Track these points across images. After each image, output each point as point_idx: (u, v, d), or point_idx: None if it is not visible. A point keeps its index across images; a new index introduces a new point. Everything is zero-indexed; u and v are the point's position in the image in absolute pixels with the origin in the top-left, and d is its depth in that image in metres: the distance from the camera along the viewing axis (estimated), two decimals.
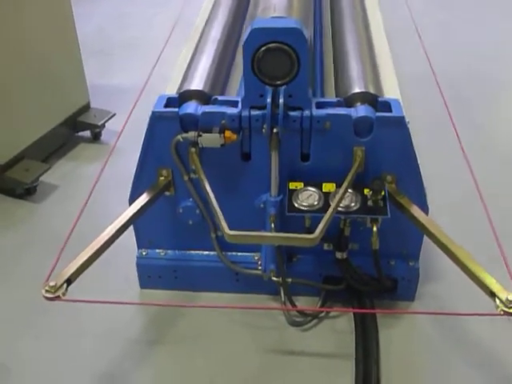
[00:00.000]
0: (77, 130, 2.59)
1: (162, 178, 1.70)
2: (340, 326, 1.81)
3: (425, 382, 1.69)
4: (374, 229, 1.59)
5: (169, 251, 1.88)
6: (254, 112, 1.56)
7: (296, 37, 1.46)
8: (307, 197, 1.60)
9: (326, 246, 1.76)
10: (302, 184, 1.64)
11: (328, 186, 1.62)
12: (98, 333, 1.81)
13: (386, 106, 1.60)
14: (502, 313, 1.33)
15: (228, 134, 1.58)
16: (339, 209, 1.56)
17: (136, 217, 1.64)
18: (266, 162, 1.62)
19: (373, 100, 1.62)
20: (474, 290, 1.45)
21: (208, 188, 1.55)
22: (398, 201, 1.62)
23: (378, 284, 1.77)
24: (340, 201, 1.50)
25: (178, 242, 1.87)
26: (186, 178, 1.69)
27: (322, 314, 1.85)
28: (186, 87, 1.69)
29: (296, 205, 1.59)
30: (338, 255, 1.75)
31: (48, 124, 2.39)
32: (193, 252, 1.87)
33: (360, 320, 1.79)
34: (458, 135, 1.84)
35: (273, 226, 1.63)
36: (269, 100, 1.51)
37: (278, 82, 1.52)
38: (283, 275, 1.69)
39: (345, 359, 1.70)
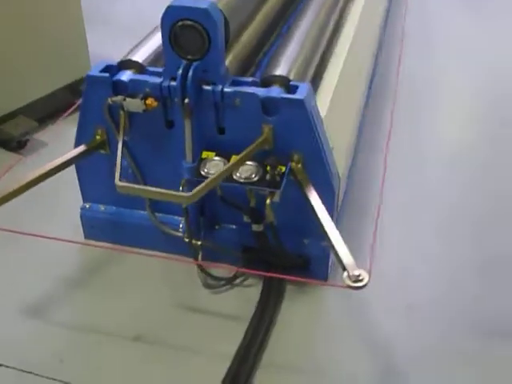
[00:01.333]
0: (77, 97, 2.84)
1: (98, 137, 1.90)
2: (250, 295, 1.93)
3: (311, 355, 1.79)
4: (267, 201, 1.72)
5: (108, 207, 2.08)
6: (172, 83, 1.72)
7: (206, 16, 1.61)
8: (214, 166, 1.74)
9: (245, 218, 1.91)
10: (214, 154, 1.79)
11: (235, 158, 1.77)
12: (32, 266, 2.04)
13: (295, 89, 1.73)
14: (345, 286, 1.43)
15: (149, 101, 1.75)
16: (237, 178, 1.70)
17: (66, 165, 1.85)
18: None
19: (285, 83, 1.75)
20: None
21: (120, 146, 1.74)
22: (298, 179, 1.73)
23: (289, 259, 1.89)
24: (229, 169, 1.64)
25: (117, 198, 2.03)
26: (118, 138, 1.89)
27: (237, 282, 1.99)
28: (129, 57, 1.89)
29: (202, 172, 1.74)
30: (254, 227, 1.88)
31: (46, 87, 2.66)
32: (129, 210, 2.06)
33: (266, 290, 1.92)
34: None
35: (181, 189, 1.80)
36: (179, 72, 1.67)
37: (190, 57, 1.68)
38: (190, 236, 1.85)
39: (243, 324, 1.83)
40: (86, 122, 1.90)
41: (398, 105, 2.78)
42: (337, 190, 1.83)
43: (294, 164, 1.75)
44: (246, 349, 1.73)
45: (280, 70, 1.80)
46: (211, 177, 1.60)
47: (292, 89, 1.73)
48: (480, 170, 2.57)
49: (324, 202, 1.77)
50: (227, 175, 1.70)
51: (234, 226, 1.97)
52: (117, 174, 1.63)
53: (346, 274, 1.45)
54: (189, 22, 1.63)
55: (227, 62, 1.84)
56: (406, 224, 2.25)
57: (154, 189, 1.61)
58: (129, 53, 1.93)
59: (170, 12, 1.64)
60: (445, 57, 3.56)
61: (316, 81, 1.95)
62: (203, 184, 1.58)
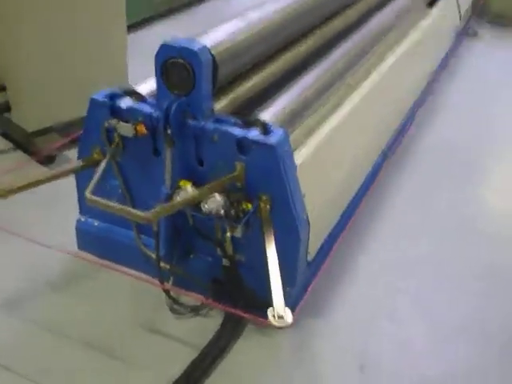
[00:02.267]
0: None
1: (95, 155, 2.06)
2: (211, 326, 1.99)
3: None
4: (227, 234, 1.80)
5: (102, 223, 2.23)
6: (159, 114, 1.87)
7: (194, 57, 1.76)
8: (185, 194, 1.85)
9: (218, 251, 1.99)
10: (190, 184, 1.90)
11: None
12: (20, 265, 2.20)
13: (270, 133, 1.82)
14: (267, 322, 1.48)
15: (139, 127, 1.91)
16: (204, 209, 1.80)
17: (63, 175, 2.02)
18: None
19: (264, 127, 1.85)
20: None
21: (103, 163, 1.89)
22: (262, 220, 1.81)
23: (249, 297, 1.95)
24: (192, 198, 1.75)
25: (111, 216, 2.18)
26: (112, 159, 2.04)
27: (202, 311, 2.06)
28: (134, 87, 2.06)
29: (174, 199, 1.86)
30: (224, 261, 1.97)
31: (83, 110, 2.87)
32: (119, 228, 2.20)
33: (225, 323, 1.97)
34: None
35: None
36: (165, 105, 1.82)
37: (176, 92, 1.83)
38: (157, 259, 1.95)
39: (196, 351, 1.89)
40: (86, 140, 2.07)
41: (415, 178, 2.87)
42: (304, 236, 1.89)
43: (262, 204, 1.84)
44: (190, 373, 1.79)
45: (264, 114, 1.91)
46: (171, 202, 1.71)
47: (268, 133, 1.83)
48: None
49: (288, 245, 1.85)
50: (195, 205, 1.81)
51: (208, 258, 2.06)
52: (90, 187, 1.78)
53: (271, 311, 1.50)
54: (178, 60, 1.78)
55: (225, 101, 1.98)
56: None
57: (117, 205, 1.74)
58: (138, 83, 2.11)
59: (163, 49, 1.80)
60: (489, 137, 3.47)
61: (306, 129, 2.06)
62: (161, 207, 1.69)
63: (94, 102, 1.99)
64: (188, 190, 1.85)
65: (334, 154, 2.15)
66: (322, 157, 2.05)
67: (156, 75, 1.85)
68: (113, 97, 2.00)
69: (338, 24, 2.64)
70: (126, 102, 1.97)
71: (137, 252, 2.15)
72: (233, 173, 1.83)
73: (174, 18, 5.11)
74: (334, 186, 2.17)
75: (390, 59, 2.86)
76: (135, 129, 1.91)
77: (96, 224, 2.23)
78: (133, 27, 4.65)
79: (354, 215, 2.37)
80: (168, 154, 1.88)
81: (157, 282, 1.99)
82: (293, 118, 1.98)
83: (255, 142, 1.78)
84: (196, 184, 1.90)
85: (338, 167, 2.21)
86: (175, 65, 1.79)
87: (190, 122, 1.85)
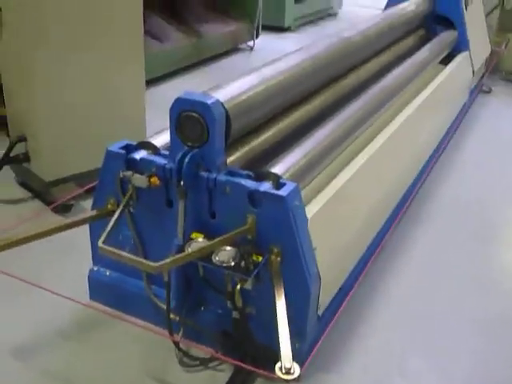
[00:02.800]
0: None
1: (109, 206, 2.09)
2: (220, 380, 1.96)
3: None
4: (237, 287, 1.79)
5: (114, 273, 2.23)
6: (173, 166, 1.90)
7: (207, 111, 1.79)
8: (197, 246, 1.86)
9: (228, 304, 1.98)
10: (202, 236, 1.90)
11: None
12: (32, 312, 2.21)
13: (282, 186, 1.83)
14: (275, 376, 1.45)
15: (153, 179, 1.93)
16: (215, 261, 1.80)
17: (77, 224, 2.04)
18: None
19: (276, 180, 1.86)
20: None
21: (117, 213, 1.91)
22: (272, 273, 1.80)
23: (258, 350, 1.92)
24: (202, 250, 1.75)
25: (122, 266, 2.20)
26: (125, 210, 2.06)
27: (212, 364, 2.03)
28: (148, 139, 2.10)
29: (185, 251, 1.86)
30: (234, 313, 1.95)
31: (99, 161, 2.93)
32: (130, 278, 2.19)
33: (234, 377, 1.94)
34: None
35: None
36: (178, 157, 1.84)
37: (189, 144, 1.85)
38: (168, 310, 1.93)
39: None
40: (102, 190, 2.10)
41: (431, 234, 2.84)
42: (314, 290, 1.87)
43: (273, 257, 1.84)
44: None
45: (277, 168, 1.93)
46: (182, 254, 1.72)
47: (280, 186, 1.84)
48: None
49: (297, 299, 1.84)
50: (206, 256, 1.81)
51: (218, 310, 2.05)
52: (103, 236, 1.79)
53: (278, 364, 1.47)
54: (192, 114, 1.82)
55: (238, 154, 2.01)
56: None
57: (127, 255, 1.74)
58: (153, 135, 2.15)
59: (177, 103, 1.84)
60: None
61: (318, 183, 2.08)
62: (171, 258, 1.69)
63: (109, 154, 2.02)
64: (199, 242, 1.86)
65: (346, 208, 2.15)
66: (334, 211, 2.05)
67: (170, 128, 1.88)
68: (128, 148, 2.03)
69: (351, 80, 2.69)
70: (140, 154, 2.00)
71: (148, 303, 2.15)
72: (244, 225, 1.84)
73: (196, 73, 5.24)
74: (347, 239, 2.16)
75: (404, 114, 2.88)
76: (149, 180, 1.94)
77: (108, 274, 2.23)
78: (154, 81, 4.78)
79: (365, 269, 2.35)
80: (181, 206, 1.89)
81: (167, 333, 1.98)
82: (306, 172, 2.00)
83: (266, 195, 1.79)
84: (208, 236, 1.90)
85: (351, 221, 2.21)
86: (189, 118, 1.82)
87: (203, 174, 1.87)
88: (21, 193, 3.06)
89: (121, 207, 1.98)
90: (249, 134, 2.04)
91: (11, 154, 2.85)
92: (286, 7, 6.85)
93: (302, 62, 2.27)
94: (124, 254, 1.74)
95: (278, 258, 1.83)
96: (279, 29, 6.94)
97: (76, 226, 2.08)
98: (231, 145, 1.97)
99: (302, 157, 2.01)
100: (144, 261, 1.72)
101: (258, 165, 1.98)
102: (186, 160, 1.84)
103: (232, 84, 1.96)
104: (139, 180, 1.95)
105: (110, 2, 2.85)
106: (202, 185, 1.88)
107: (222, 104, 1.84)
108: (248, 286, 1.83)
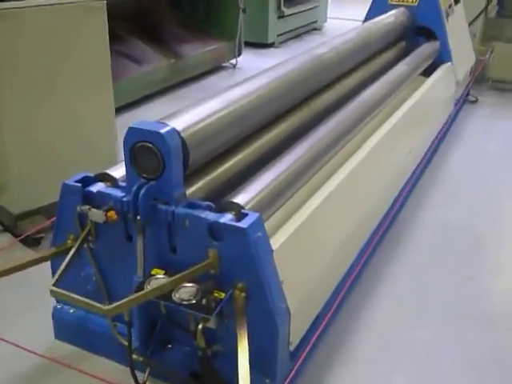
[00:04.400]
0: None
1: (69, 241, 1.98)
2: None
3: None
4: (199, 326, 1.68)
5: (78, 310, 2.12)
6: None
7: (161, 141, 1.69)
8: (156, 283, 1.74)
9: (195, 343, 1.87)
10: (163, 272, 1.79)
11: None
12: None
13: (244, 217, 1.73)
14: None
15: (110, 213, 1.83)
16: (175, 299, 1.69)
17: (36, 262, 1.92)
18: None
19: (238, 211, 1.76)
20: None
21: (72, 252, 1.79)
22: (235, 310, 1.69)
23: None
24: (161, 288, 1.64)
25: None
26: (85, 245, 1.96)
27: None
28: (107, 171, 1.99)
29: (144, 288, 1.75)
30: (199, 352, 1.83)
31: None
32: (95, 317, 2.07)
33: None
34: None
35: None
36: (133, 189, 1.74)
37: (145, 176, 1.75)
38: (130, 351, 1.82)
39: None
40: (60, 226, 1.99)
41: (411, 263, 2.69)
42: (282, 326, 1.75)
43: (237, 292, 1.72)
44: None
45: (239, 198, 1.82)
46: (137, 294, 1.61)
47: (242, 217, 1.74)
48: None
49: (265, 336, 1.73)
50: (167, 294, 1.70)
51: (186, 349, 1.93)
52: (54, 279, 1.68)
53: None
54: (146, 144, 1.72)
55: (199, 184, 1.90)
56: None
57: (77, 297, 1.64)
58: (113, 166, 2.04)
59: (130, 133, 1.73)
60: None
61: (286, 211, 1.97)
62: (125, 300, 1.58)
63: (65, 187, 1.92)
64: (159, 278, 1.75)
65: (316, 236, 2.04)
66: (303, 239, 1.93)
67: (125, 159, 1.78)
68: (85, 181, 1.93)
69: (324, 99, 2.58)
70: (97, 187, 1.90)
71: (114, 341, 2.03)
72: (206, 260, 1.73)
73: (176, 94, 5.15)
74: (319, 269, 2.04)
75: (382, 131, 2.76)
76: (106, 215, 1.83)
77: (72, 312, 2.11)
78: (134, 104, 4.70)
79: (342, 298, 2.23)
80: (139, 241, 1.79)
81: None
82: (271, 200, 1.89)
83: (226, 227, 1.68)
84: (170, 272, 1.80)
85: (323, 250, 2.09)
86: (143, 149, 1.72)
87: (161, 207, 1.76)
88: None
89: (77, 244, 1.87)
90: (210, 163, 1.92)
91: None
92: (268, 23, 6.77)
93: (269, 82, 2.17)
94: (75, 296, 1.63)
95: (243, 294, 1.72)
96: (263, 45, 6.86)
97: (34, 265, 1.97)
98: (191, 175, 1.86)
99: (268, 184, 1.90)
100: (95, 304, 1.61)
101: (221, 195, 1.87)
102: (142, 193, 1.73)
103: (192, 110, 1.86)
104: (96, 215, 1.85)
105: (75, 37, 2.79)
106: (161, 218, 1.78)
107: (178, 133, 1.74)
108: (211, 324, 1.72)
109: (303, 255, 1.94)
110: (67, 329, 2.14)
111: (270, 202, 1.87)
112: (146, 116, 4.62)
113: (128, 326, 1.80)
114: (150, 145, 1.71)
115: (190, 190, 1.84)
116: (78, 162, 2.79)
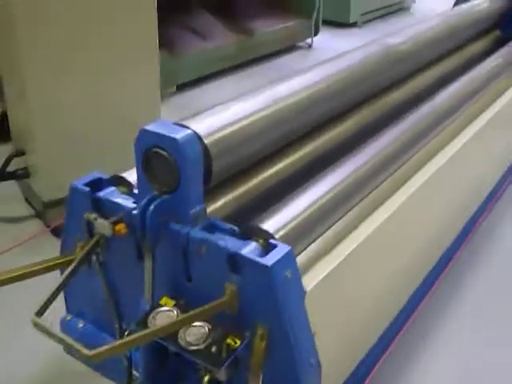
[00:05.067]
0: None
1: (78, 249, 1.72)
2: None
3: None
4: (205, 378, 1.37)
5: (87, 325, 1.86)
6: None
7: (176, 148, 1.37)
8: (162, 318, 1.44)
9: None
10: (173, 303, 1.49)
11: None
12: None
13: (271, 249, 1.39)
14: None
15: (119, 226, 1.54)
16: (180, 341, 1.38)
17: (46, 271, 1.66)
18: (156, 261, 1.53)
19: (266, 240, 1.42)
20: None
21: (70, 269, 1.52)
22: (252, 363, 1.37)
23: None
24: (161, 330, 1.33)
25: (97, 318, 1.84)
26: (94, 257, 1.68)
27: None
28: (123, 174, 1.70)
29: (148, 321, 1.45)
30: None
31: None
32: (105, 335, 1.82)
33: None
34: None
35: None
36: (143, 202, 1.44)
37: (158, 187, 1.44)
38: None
39: None
40: (69, 233, 1.73)
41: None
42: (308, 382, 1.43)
43: (256, 340, 1.40)
44: None
45: (271, 222, 1.48)
46: (125, 340, 1.32)
47: (269, 248, 1.41)
48: None
49: None
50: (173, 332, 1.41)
51: None
52: (40, 308, 1.41)
53: None
54: (160, 151, 1.41)
55: (223, 202, 1.58)
56: None
57: (61, 335, 1.36)
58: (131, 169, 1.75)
59: (142, 136, 1.43)
60: None
61: (325, 243, 1.59)
62: (110, 346, 1.30)
63: (73, 190, 1.65)
64: (168, 313, 1.45)
65: (361, 276, 1.66)
66: (345, 280, 1.57)
67: (136, 165, 1.49)
68: (96, 184, 1.66)
69: (392, 97, 2.17)
70: (107, 193, 1.62)
71: (122, 365, 1.78)
72: (222, 297, 1.42)
73: (243, 74, 4.81)
74: (361, 315, 1.68)
75: (455, 145, 2.20)
76: (113, 228, 1.55)
77: (80, 326, 1.86)
78: (194, 83, 4.41)
79: (385, 353, 1.86)
80: (147, 264, 1.49)
81: None
82: (309, 228, 1.53)
83: (248, 261, 1.36)
84: (183, 301, 1.50)
85: (367, 293, 1.71)
86: (157, 156, 1.42)
87: (174, 226, 1.46)
88: (26, 210, 2.77)
89: (82, 255, 1.61)
90: (237, 177, 1.59)
91: (12, 169, 2.56)
92: (351, 1, 6.27)
93: (324, 78, 1.79)
94: (55, 332, 1.36)
95: (263, 343, 1.40)
96: (343, 25, 6.38)
97: (38, 275, 1.72)
98: (214, 188, 1.55)
99: (306, 207, 1.53)
100: (77, 345, 1.34)
101: (248, 216, 1.54)
102: (151, 209, 1.43)
103: (220, 110, 1.53)
104: (102, 226, 1.56)
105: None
106: (174, 240, 1.48)
107: (199, 138, 1.43)
108: (221, 377, 1.41)
109: (344, 300, 1.57)
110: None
111: (307, 230, 1.52)
112: (208, 96, 4.35)
113: (128, 364, 1.53)
114: (164, 152, 1.40)
115: (211, 207, 1.53)
116: (115, 142, 2.52)
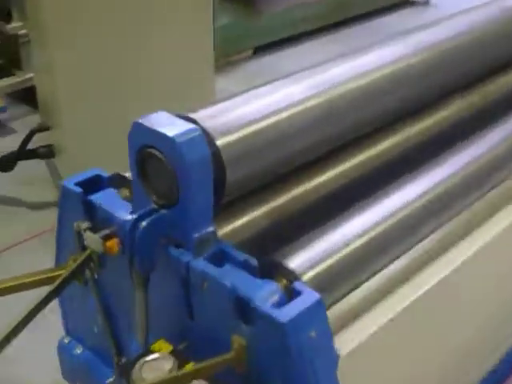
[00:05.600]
0: None
1: (71, 262, 1.53)
2: None
3: None
4: None
5: (85, 351, 1.69)
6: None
7: (173, 150, 1.13)
8: (152, 370, 1.20)
9: None
10: (169, 350, 1.27)
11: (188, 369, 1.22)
12: None
13: (296, 295, 1.13)
14: None
15: (111, 243, 1.32)
16: None
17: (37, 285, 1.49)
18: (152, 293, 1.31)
19: (290, 281, 1.16)
20: None
21: (58, 281, 1.33)
22: None
23: None
24: None
25: (94, 346, 1.65)
26: (89, 274, 1.49)
27: None
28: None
29: (133, 372, 1.24)
30: None
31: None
32: (102, 365, 1.61)
33: None
34: None
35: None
36: (134, 216, 1.21)
37: (155, 199, 1.21)
38: None
39: None
40: (62, 242, 1.52)
41: None
42: None
43: None
44: None
45: (296, 258, 1.21)
46: None
47: (294, 294, 1.15)
48: None
49: None
50: None
51: None
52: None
53: None
54: (155, 153, 1.18)
55: (239, 224, 1.32)
56: None
57: None
58: None
59: (135, 130, 1.20)
60: None
61: (366, 294, 1.28)
62: None
63: (64, 191, 1.45)
64: (161, 362, 1.23)
65: (416, 342, 1.33)
66: (393, 346, 1.26)
67: (130, 167, 1.27)
68: (91, 184, 1.45)
69: (453, 115, 1.74)
70: (102, 196, 1.42)
71: None
72: (227, 351, 1.18)
73: (338, 35, 4.48)
74: None
75: None
76: (104, 244, 1.35)
77: (78, 352, 1.68)
78: (275, 46, 4.14)
79: None
80: (138, 295, 1.28)
81: None
82: (349, 271, 1.21)
83: (259, 311, 1.12)
84: (183, 346, 1.28)
85: (422, 368, 1.39)
86: (152, 158, 1.19)
87: (173, 252, 1.23)
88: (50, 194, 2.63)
89: (66, 273, 1.42)
90: (262, 191, 1.30)
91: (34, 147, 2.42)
92: None
93: (372, 71, 1.47)
94: None
95: None
96: None
97: (27, 289, 1.55)
98: (230, 206, 1.29)
99: (348, 242, 1.22)
100: None
101: (271, 245, 1.27)
102: (143, 225, 1.21)
103: (245, 99, 1.27)
104: (92, 241, 1.36)
105: None
106: (172, 268, 1.26)
107: (209, 138, 1.18)
108: None
109: (388, 370, 1.28)
110: (72, 369, 1.73)
111: (346, 273, 1.22)
112: (288, 63, 4.06)
113: None
114: (161, 155, 1.17)
115: (224, 230, 1.28)
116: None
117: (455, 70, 1.74)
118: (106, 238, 1.31)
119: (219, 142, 1.17)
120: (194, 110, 1.24)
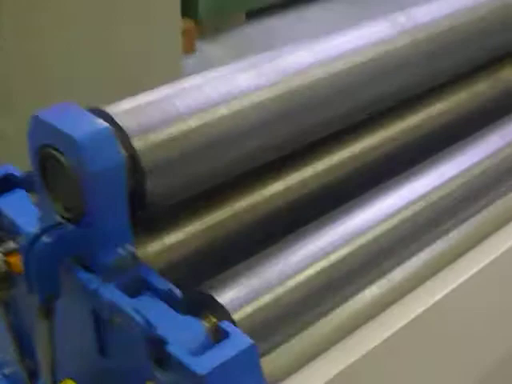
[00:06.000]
0: None
1: None
2: None
3: None
4: None
5: (3, 379, 1.56)
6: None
7: (75, 152, 0.98)
8: None
9: None
10: None
11: None
12: None
13: (224, 337, 0.99)
14: None
15: (14, 260, 1.18)
16: None
17: None
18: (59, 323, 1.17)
19: (216, 321, 1.02)
20: None
21: None
22: None
23: None
24: None
25: (12, 373, 1.53)
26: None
27: None
28: None
29: None
30: None
31: None
32: None
33: None
34: None
35: None
36: (31, 232, 1.07)
37: (59, 211, 1.06)
38: None
39: None
40: None
41: None
42: None
43: None
44: None
45: (231, 291, 1.05)
46: None
47: (221, 336, 1.00)
48: None
49: None
50: None
51: None
52: None
53: None
54: (55, 154, 1.03)
55: (165, 243, 1.17)
56: None
57: None
58: None
59: (34, 127, 1.05)
60: None
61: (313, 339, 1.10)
62: None
63: None
64: None
65: None
66: None
67: (32, 165, 1.12)
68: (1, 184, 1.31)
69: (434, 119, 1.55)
70: (9, 201, 1.27)
71: None
72: None
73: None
74: None
75: None
76: (6, 262, 1.20)
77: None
78: (272, 10, 3.93)
79: None
80: (40, 328, 1.14)
81: None
82: (295, 310, 1.05)
83: (176, 360, 0.97)
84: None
85: None
86: (53, 160, 1.05)
87: (80, 275, 1.09)
88: None
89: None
90: (196, 203, 1.16)
91: None
92: None
93: (343, 58, 1.31)
94: None
95: None
96: None
97: None
98: (156, 222, 1.14)
99: (293, 272, 1.06)
100: None
101: (206, 270, 1.12)
102: (45, 241, 1.06)
103: (180, 87, 1.12)
104: None
105: None
106: (79, 294, 1.12)
107: (123, 137, 1.03)
108: None
109: None
110: None
111: (291, 312, 1.06)
112: (288, 29, 3.85)
113: None
114: (62, 158, 1.03)
115: (148, 251, 1.13)
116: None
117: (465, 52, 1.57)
118: (8, 253, 1.17)
119: (137, 144, 1.01)
120: (114, 103, 1.08)
